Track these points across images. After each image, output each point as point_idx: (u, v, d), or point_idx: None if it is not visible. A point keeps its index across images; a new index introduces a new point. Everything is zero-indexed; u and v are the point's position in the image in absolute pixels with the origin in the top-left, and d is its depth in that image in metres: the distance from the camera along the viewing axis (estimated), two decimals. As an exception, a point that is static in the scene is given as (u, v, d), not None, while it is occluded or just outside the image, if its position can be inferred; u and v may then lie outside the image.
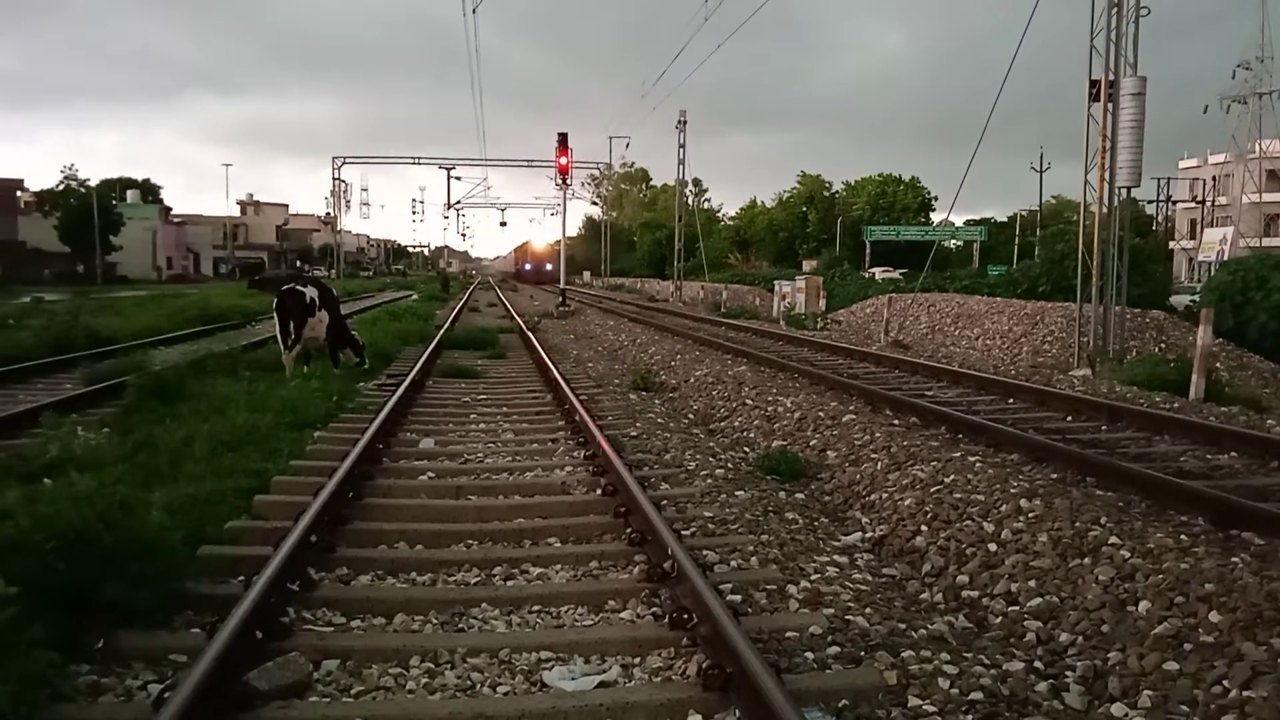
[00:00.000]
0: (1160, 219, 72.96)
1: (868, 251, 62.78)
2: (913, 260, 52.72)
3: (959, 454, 7.59)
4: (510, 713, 3.54)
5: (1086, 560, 5.16)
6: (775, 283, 37.41)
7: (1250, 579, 4.54)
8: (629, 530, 5.61)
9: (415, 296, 44.59)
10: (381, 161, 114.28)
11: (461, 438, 8.87)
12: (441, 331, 19.40)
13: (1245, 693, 3.73)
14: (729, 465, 8.04)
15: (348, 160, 70.20)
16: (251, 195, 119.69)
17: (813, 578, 5.13)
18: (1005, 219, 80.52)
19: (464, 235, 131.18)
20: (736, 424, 10.48)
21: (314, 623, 4.42)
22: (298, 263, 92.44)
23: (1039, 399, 10.86)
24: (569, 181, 36.25)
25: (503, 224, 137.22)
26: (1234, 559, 4.89)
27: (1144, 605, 4.59)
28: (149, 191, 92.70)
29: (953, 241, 70.46)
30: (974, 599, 5.20)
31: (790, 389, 11.63)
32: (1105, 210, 16.80)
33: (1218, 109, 57.31)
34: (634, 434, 9.10)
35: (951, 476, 6.91)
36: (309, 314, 12.38)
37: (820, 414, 9.79)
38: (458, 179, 69.96)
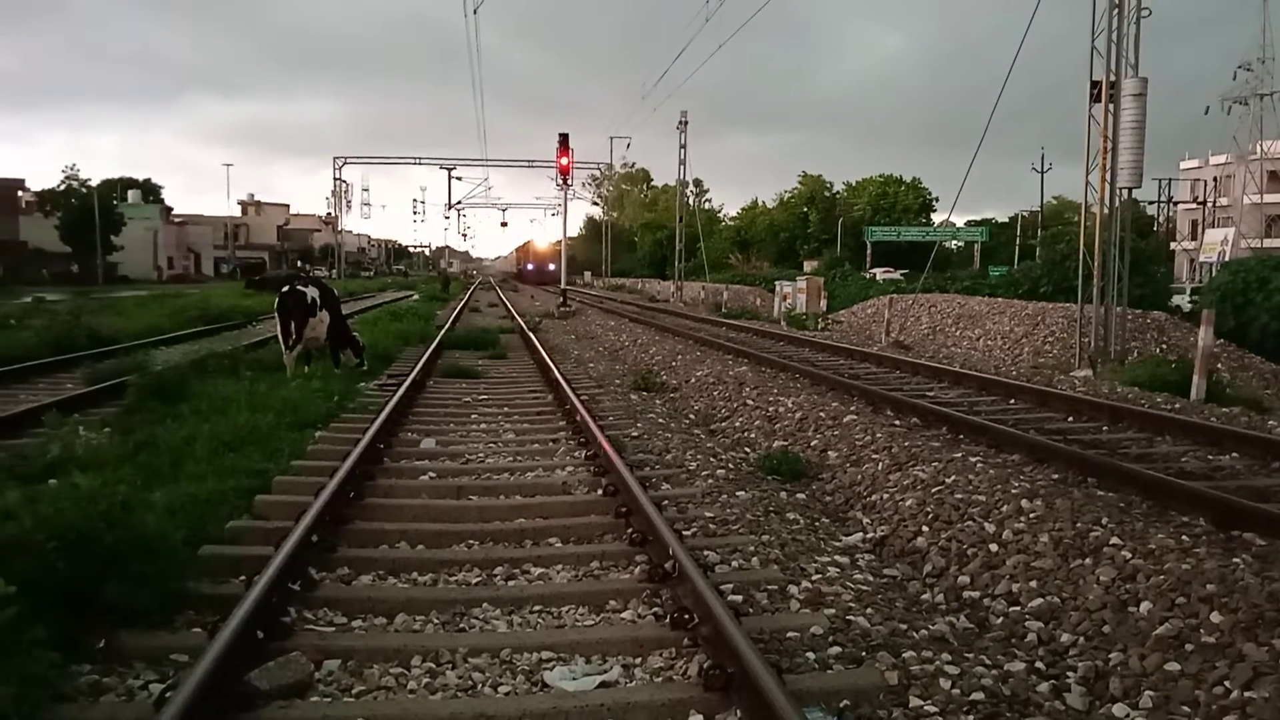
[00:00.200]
0: (1161, 220, 72.95)
1: (869, 252, 62.80)
2: (914, 261, 52.75)
3: (960, 454, 7.59)
4: (511, 713, 3.54)
5: (1088, 561, 5.16)
6: (776, 283, 37.39)
7: (1252, 580, 4.54)
8: (630, 530, 5.61)
9: (416, 297, 44.61)
10: (382, 162, 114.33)
11: (463, 438, 8.87)
12: (442, 332, 19.40)
13: (1247, 693, 3.73)
14: (730, 465, 8.04)
15: (349, 160, 70.24)
16: (252, 195, 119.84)
17: (814, 578, 5.13)
18: (1006, 220, 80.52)
19: (465, 235, 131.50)
20: (737, 424, 10.48)
21: (315, 622, 4.42)
22: (298, 263, 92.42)
23: (1040, 400, 10.86)
24: (570, 182, 36.26)
25: (503, 224, 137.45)
26: (1235, 560, 4.89)
27: (1145, 606, 4.58)
28: (150, 191, 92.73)
29: (954, 242, 70.48)
30: (975, 599, 5.19)
31: (791, 389, 11.63)
32: (1106, 211, 16.79)
33: (1219, 110, 57.42)
34: (635, 434, 9.10)
35: (953, 477, 6.90)
36: (310, 314, 12.39)
37: (821, 414, 9.79)
38: (459, 179, 70.03)
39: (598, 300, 43.16)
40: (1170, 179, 71.49)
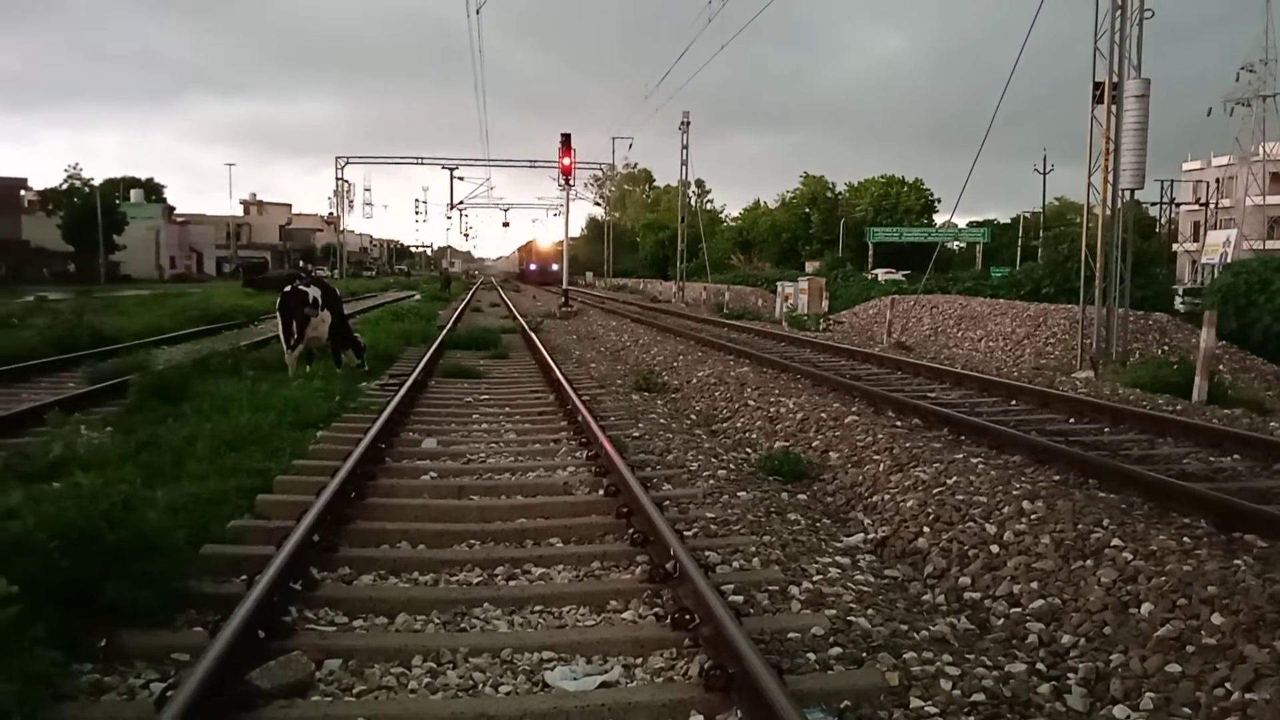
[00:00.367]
0: (1163, 221, 72.89)
1: (870, 253, 62.76)
2: (915, 262, 52.71)
3: (961, 455, 7.59)
4: (512, 713, 3.54)
5: (1089, 562, 5.16)
6: (778, 284, 37.39)
7: (1253, 581, 4.54)
8: (631, 531, 5.62)
9: (418, 297, 44.61)
10: (384, 162, 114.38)
11: (464, 438, 8.88)
12: (444, 332, 19.41)
13: (1248, 695, 3.73)
14: (731, 466, 8.04)
15: (351, 160, 70.20)
16: (254, 195, 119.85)
17: (815, 579, 5.13)
18: (1008, 221, 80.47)
19: (467, 235, 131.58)
20: (739, 425, 10.48)
21: (316, 622, 4.42)
22: (300, 262, 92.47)
23: (1041, 401, 10.85)
24: (572, 182, 36.24)
25: (505, 224, 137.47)
26: (1236, 561, 4.89)
27: (1146, 607, 4.58)
28: (152, 191, 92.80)
29: (956, 243, 70.43)
30: (976, 600, 5.19)
31: (793, 390, 11.63)
32: (1108, 212, 16.78)
33: (1221, 111, 57.40)
34: (636, 435, 9.10)
35: (954, 478, 6.90)
36: (312, 314, 12.40)
37: (823, 415, 9.79)
38: (460, 179, 69.95)
39: (599, 301, 43.17)
40: (1172, 180, 71.48)
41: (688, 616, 4.22)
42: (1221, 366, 15.98)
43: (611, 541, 5.73)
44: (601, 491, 6.63)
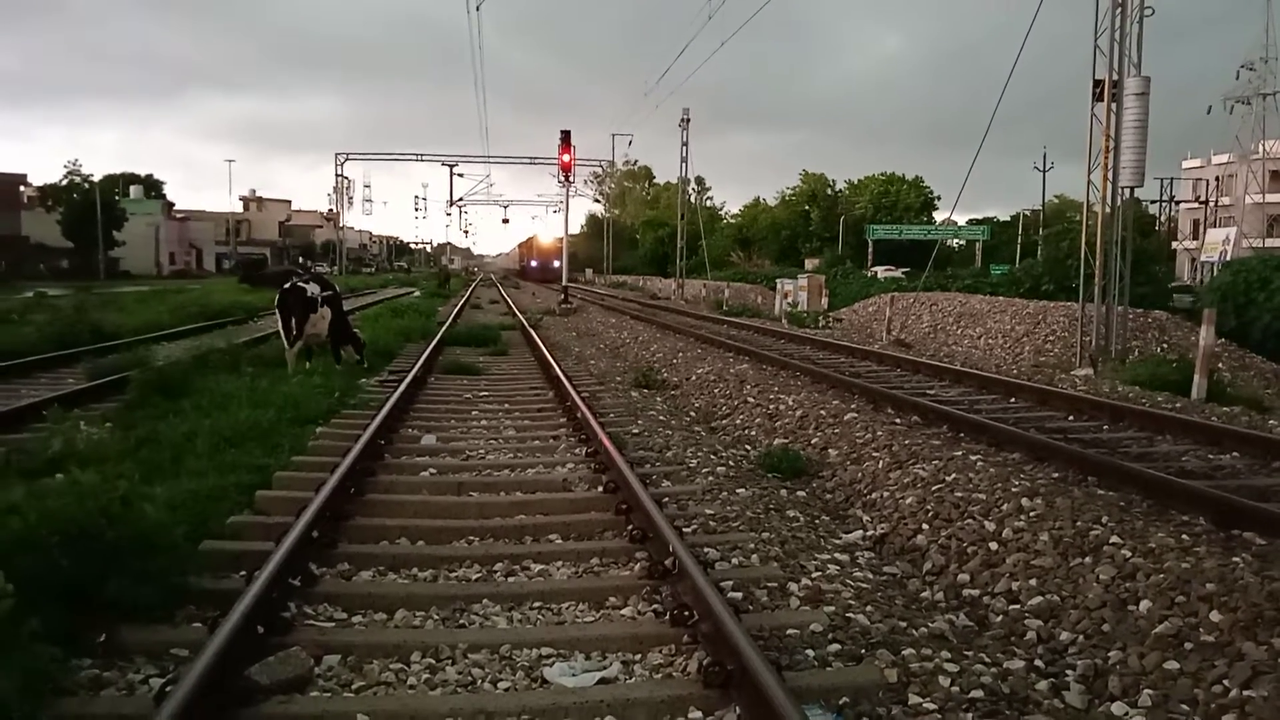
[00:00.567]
0: (1163, 219, 72.88)
1: (870, 250, 62.78)
2: (915, 259, 52.70)
3: (960, 453, 7.59)
4: (511, 709, 3.55)
5: (1087, 559, 5.16)
6: (777, 281, 37.39)
7: (1251, 579, 4.54)
8: (630, 527, 5.62)
9: (417, 293, 44.60)
10: (384, 158, 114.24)
11: (463, 434, 8.88)
12: (443, 328, 19.41)
13: (1246, 692, 3.74)
14: (730, 463, 8.04)
15: (350, 157, 70.19)
16: (254, 191, 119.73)
17: (814, 575, 5.14)
18: (1008, 219, 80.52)
19: (466, 232, 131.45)
20: (738, 422, 10.48)
21: (315, 618, 4.43)
22: (300, 259, 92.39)
23: (1041, 398, 10.86)
24: (572, 179, 36.24)
25: (505, 221, 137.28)
26: (1235, 559, 4.89)
27: (1145, 604, 4.59)
28: (152, 187, 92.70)
29: (955, 241, 70.45)
30: (975, 597, 5.20)
31: (792, 387, 11.63)
32: (1108, 210, 16.78)
33: (1221, 109, 57.41)
34: (635, 431, 9.10)
35: (953, 475, 6.91)
36: (311, 310, 12.40)
37: (822, 412, 9.79)
38: (460, 176, 69.78)
39: (599, 298, 43.16)
40: (1172, 178, 71.52)
41: (686, 613, 4.22)
42: (1221, 364, 15.99)
43: (610, 538, 5.73)
44: (601, 488, 6.63)
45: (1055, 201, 76.90)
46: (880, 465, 7.65)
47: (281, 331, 12.48)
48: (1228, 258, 41.24)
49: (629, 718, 3.56)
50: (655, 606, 4.60)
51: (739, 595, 4.67)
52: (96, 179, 69.46)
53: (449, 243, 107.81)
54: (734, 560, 5.27)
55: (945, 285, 31.76)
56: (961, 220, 75.14)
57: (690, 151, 43.76)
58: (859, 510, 6.94)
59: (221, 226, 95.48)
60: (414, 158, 70.42)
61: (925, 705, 3.66)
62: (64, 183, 68.85)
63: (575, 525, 5.94)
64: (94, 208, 64.58)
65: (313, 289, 12.55)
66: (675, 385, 13.35)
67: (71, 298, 23.27)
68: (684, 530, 5.47)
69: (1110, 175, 16.59)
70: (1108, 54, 16.33)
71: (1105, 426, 9.28)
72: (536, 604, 4.72)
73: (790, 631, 4.26)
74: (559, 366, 12.59)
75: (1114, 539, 5.29)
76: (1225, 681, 3.85)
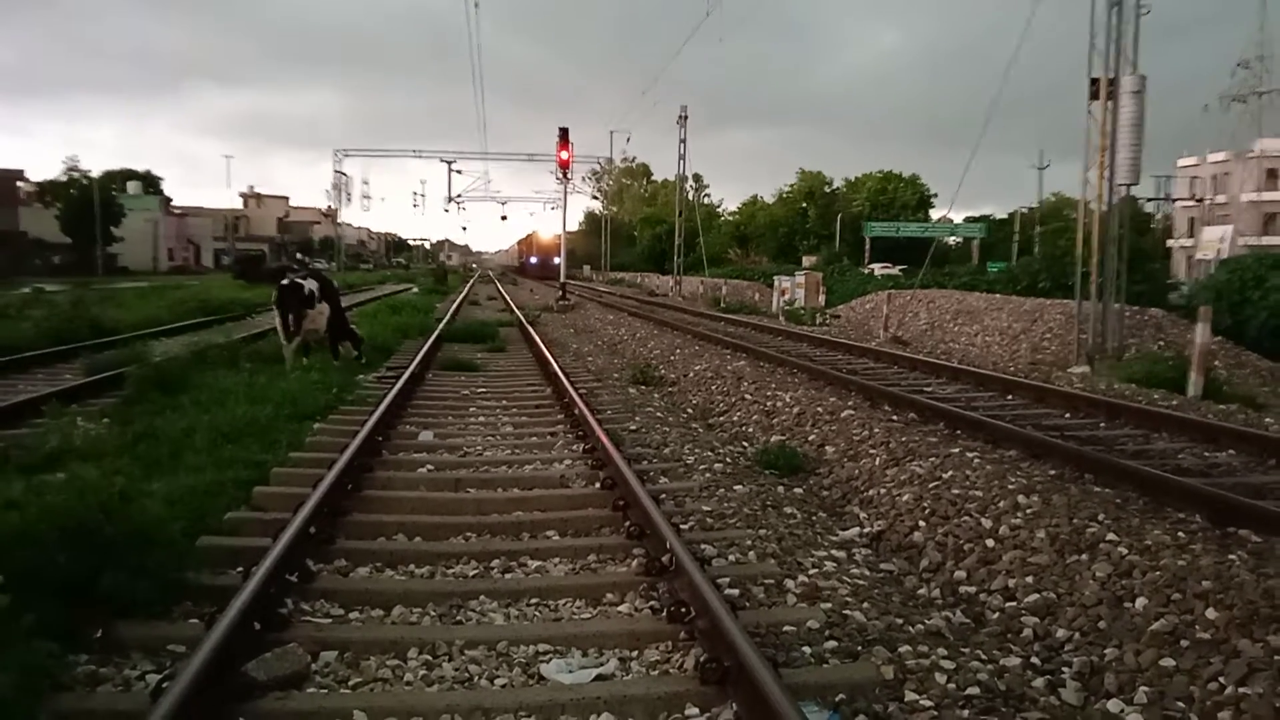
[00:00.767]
0: (1159, 217, 72.97)
1: (867, 247, 62.83)
2: (912, 256, 52.79)
3: (957, 450, 7.60)
4: (508, 705, 3.55)
5: (1084, 557, 5.17)
6: (775, 278, 37.37)
7: (1247, 576, 4.55)
8: (627, 524, 5.62)
9: (415, 290, 44.57)
10: (382, 155, 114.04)
11: (461, 431, 8.88)
12: (441, 325, 19.39)
13: (1241, 689, 3.75)
14: (728, 460, 8.05)
15: (349, 153, 70.05)
16: (252, 187, 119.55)
17: (810, 572, 5.14)
18: (1005, 216, 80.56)
19: (465, 229, 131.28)
20: (735, 419, 10.49)
21: (312, 614, 4.43)
22: (297, 255, 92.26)
23: (1037, 396, 10.87)
24: (570, 176, 36.17)
25: (503, 218, 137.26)
26: (1231, 556, 4.91)
27: (1141, 602, 4.60)
28: (150, 183, 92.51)
29: (952, 238, 70.51)
30: (971, 594, 5.21)
31: (789, 384, 11.64)
32: (1104, 208, 16.80)
33: (1217, 108, 57.46)
34: (633, 428, 9.10)
35: (950, 472, 6.92)
36: (308, 306, 12.40)
37: (819, 409, 9.80)
38: (458, 172, 69.54)
39: (597, 294, 43.14)
40: (1168, 176, 71.61)
41: (683, 609, 4.23)
42: (1217, 362, 16.03)
43: (608, 534, 5.74)
44: (598, 484, 6.64)
45: (1052, 199, 76.90)
46: (877, 462, 7.66)
47: (279, 327, 12.47)
48: (1223, 255, 41.30)
49: (626, 714, 3.57)
50: (652, 603, 4.61)
51: (736, 592, 4.67)
52: (95, 175, 69.38)
53: (447, 239, 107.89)
54: (731, 557, 5.27)
55: (942, 283, 31.83)
56: (958, 218, 75.09)
57: (688, 149, 43.77)
58: (856, 507, 6.95)
59: (220, 222, 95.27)
60: (412, 154, 70.41)
61: (922, 702, 3.66)
62: (62, 179, 68.74)
63: (572, 522, 5.94)
64: (92, 204, 64.47)
65: (310, 285, 12.54)
66: (673, 382, 13.36)
67: (69, 293, 23.21)
68: (681, 527, 5.48)
69: (1106, 173, 16.60)
70: (1104, 53, 16.35)
71: (1102, 424, 9.29)
72: (533, 600, 4.72)
73: (787, 628, 4.26)
74: (557, 363, 12.58)
75: (1110, 536, 5.30)
76: (1221, 678, 3.86)
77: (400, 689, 3.75)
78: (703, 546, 5.35)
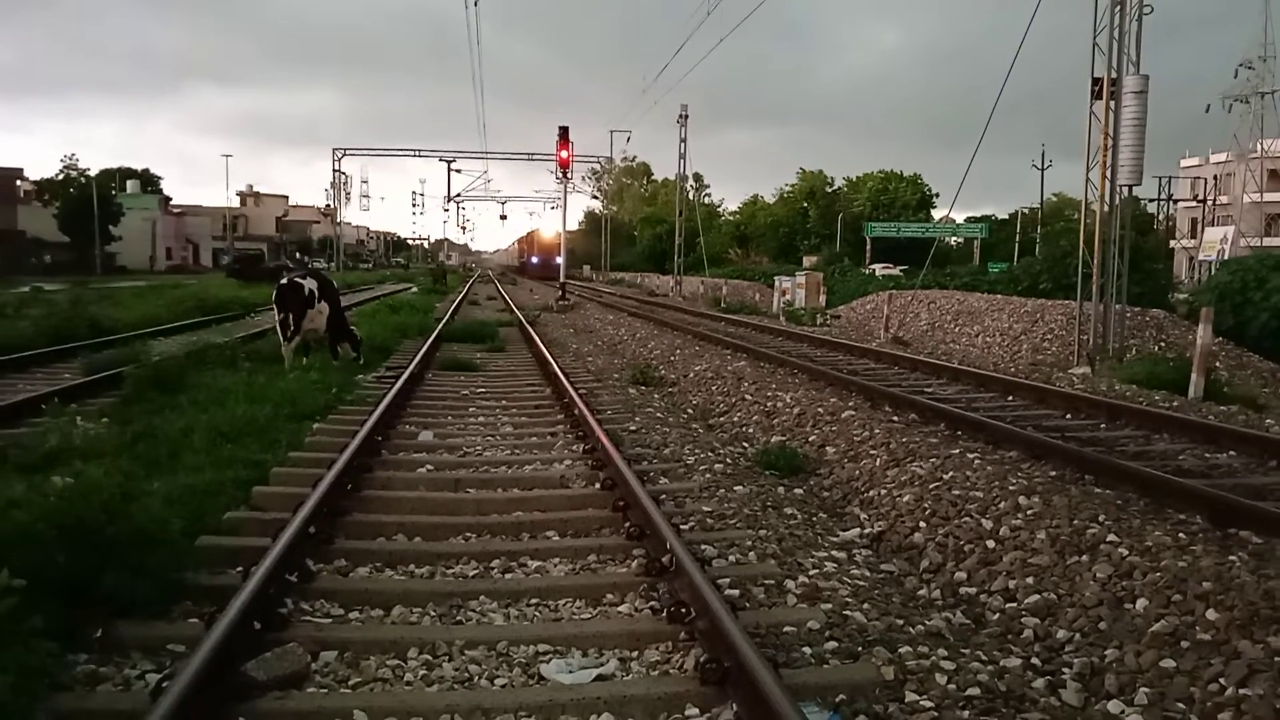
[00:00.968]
0: (1161, 218, 72.96)
1: (868, 248, 62.86)
2: (913, 257, 52.79)
3: (958, 451, 7.60)
4: (508, 705, 3.55)
5: (1084, 558, 5.17)
6: (775, 278, 37.39)
7: (1248, 577, 4.55)
8: (627, 524, 5.62)
9: (415, 290, 44.56)
10: (382, 154, 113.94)
11: (460, 431, 8.87)
12: (441, 324, 19.39)
13: (1242, 690, 3.74)
14: (728, 460, 8.04)
15: (348, 152, 69.95)
16: (251, 187, 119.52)
17: (811, 573, 5.14)
18: (1006, 216, 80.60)
19: (464, 228, 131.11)
20: (736, 419, 10.48)
21: (312, 614, 4.42)
22: (297, 254, 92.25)
23: (1038, 396, 10.86)
24: (570, 175, 36.16)
25: (503, 217, 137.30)
26: (1231, 557, 4.90)
27: (1141, 603, 4.60)
28: (149, 182, 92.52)
29: (953, 239, 70.53)
30: (972, 595, 5.20)
31: (790, 384, 11.63)
32: (1106, 208, 16.79)
33: (1220, 108, 57.53)
34: (633, 428, 9.10)
35: (950, 473, 6.91)
36: (308, 306, 12.40)
37: (819, 410, 9.79)
38: (458, 172, 69.55)
39: (597, 294, 43.13)
40: (1170, 177, 71.65)
41: (684, 610, 4.22)
42: (1218, 363, 16.01)
43: (608, 535, 5.73)
44: (598, 485, 6.63)
45: (1054, 199, 77.04)
46: (878, 463, 7.65)
47: (278, 327, 12.48)
48: (1225, 256, 41.29)
49: (626, 715, 3.56)
50: (652, 603, 4.60)
51: (736, 592, 4.67)
52: (93, 174, 69.37)
53: (446, 239, 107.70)
54: (731, 557, 5.27)
55: (943, 283, 31.80)
56: (960, 218, 75.24)
57: (688, 148, 43.71)
58: (856, 508, 6.95)
59: (218, 222, 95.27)
60: (412, 153, 70.29)
61: (922, 703, 3.66)
62: (60, 177, 68.72)
63: (572, 522, 5.94)
64: (91, 202, 64.47)
65: (309, 284, 12.54)
66: (673, 382, 13.35)
67: (68, 292, 23.22)
68: (681, 527, 5.47)
69: (1108, 174, 16.59)
70: (1106, 52, 16.33)
71: (1102, 425, 9.29)
72: (533, 601, 4.71)
73: (787, 629, 4.26)
74: (556, 363, 12.58)
75: (1111, 537, 5.30)
76: (1221, 680, 3.85)
77: (400, 689, 3.75)
78: (703, 547, 5.35)
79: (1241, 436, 8.22)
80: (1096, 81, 16.57)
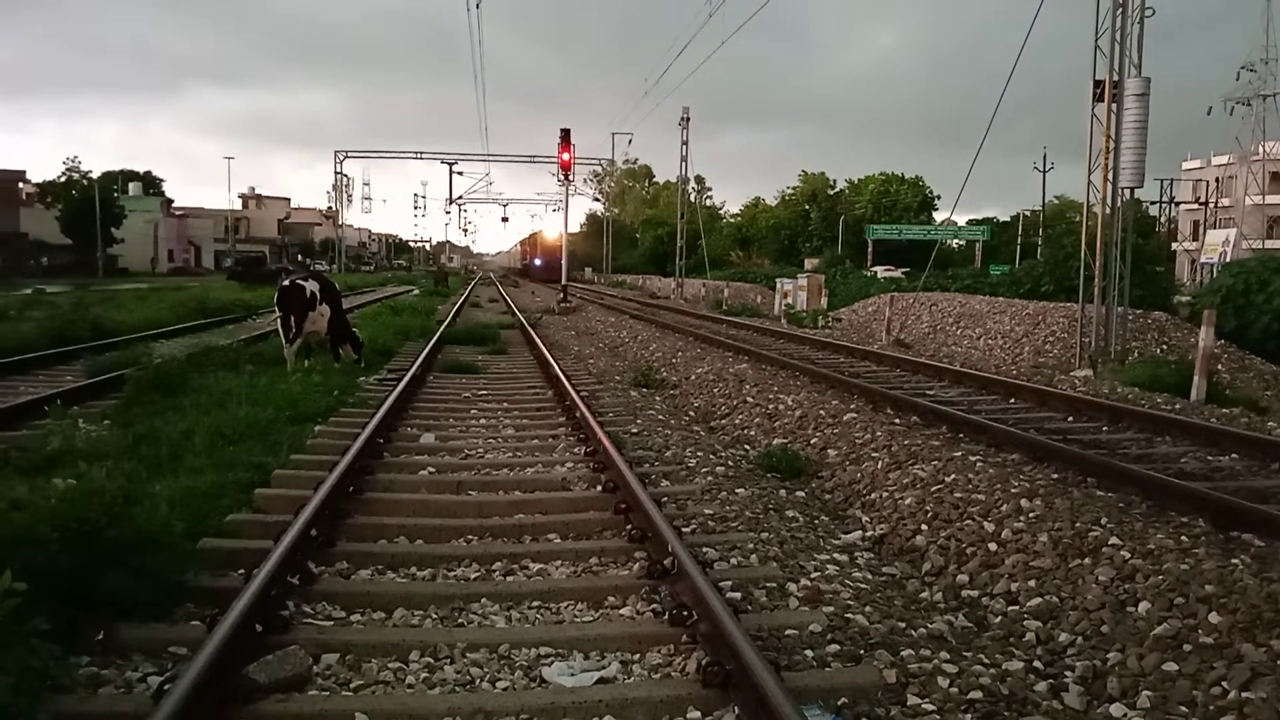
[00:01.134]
0: (1163, 220, 72.90)
1: (870, 250, 62.81)
2: (915, 259, 52.75)
3: (960, 453, 7.59)
4: (509, 708, 3.54)
5: (1087, 560, 5.16)
6: (777, 280, 37.34)
7: (1250, 580, 4.54)
8: (629, 527, 5.62)
9: (416, 292, 44.58)
10: (383, 156, 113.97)
11: (462, 433, 8.87)
12: (443, 327, 19.40)
13: (1244, 694, 3.74)
14: (729, 463, 8.04)
15: (349, 154, 70.00)
16: (253, 189, 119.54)
17: (813, 576, 5.14)
18: (1008, 219, 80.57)
19: (465, 230, 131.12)
20: (737, 422, 10.48)
21: (314, 616, 4.42)
22: (299, 256, 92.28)
23: (1040, 399, 10.86)
24: (571, 178, 36.21)
25: (504, 219, 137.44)
26: (1234, 560, 4.89)
27: (1144, 606, 4.59)
28: (151, 184, 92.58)
29: (955, 241, 70.46)
30: (974, 598, 5.20)
31: (791, 387, 11.63)
32: (1108, 211, 16.78)
33: (1221, 110, 57.48)
34: (635, 431, 9.10)
35: (952, 476, 6.91)
36: (310, 308, 12.40)
37: (821, 412, 9.79)
38: (460, 174, 69.53)
39: (598, 296, 43.14)
40: (1172, 179, 71.47)
41: (685, 613, 4.22)
42: (1220, 366, 15.98)
43: (609, 538, 5.73)
44: (600, 488, 6.63)
45: (1055, 202, 76.92)
46: (879, 465, 7.64)
47: (280, 329, 12.48)
48: (1227, 259, 41.24)
49: (628, 717, 3.56)
50: (654, 606, 4.60)
51: (738, 595, 4.66)
52: (95, 176, 69.40)
53: (448, 241, 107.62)
54: (733, 560, 5.27)
55: (945, 285, 31.75)
56: (961, 220, 75.34)
57: (690, 150, 43.71)
58: (858, 510, 6.94)
59: (220, 224, 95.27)
60: (413, 155, 70.44)
61: (924, 706, 3.66)
62: (63, 179, 68.78)
63: (574, 524, 5.94)
64: (93, 205, 64.52)
65: (311, 286, 12.55)
66: (674, 385, 13.35)
67: (70, 295, 23.26)
68: (683, 530, 5.47)
69: (1110, 176, 16.58)
70: (1108, 55, 16.32)
71: (1104, 428, 9.28)
72: (535, 603, 4.71)
73: (789, 632, 4.26)
74: (558, 365, 12.58)
75: (1113, 540, 5.29)
76: (1224, 683, 3.85)
77: (402, 691, 3.75)
78: (705, 550, 5.35)
79: (1244, 439, 8.21)
80: (1098, 84, 16.55)
